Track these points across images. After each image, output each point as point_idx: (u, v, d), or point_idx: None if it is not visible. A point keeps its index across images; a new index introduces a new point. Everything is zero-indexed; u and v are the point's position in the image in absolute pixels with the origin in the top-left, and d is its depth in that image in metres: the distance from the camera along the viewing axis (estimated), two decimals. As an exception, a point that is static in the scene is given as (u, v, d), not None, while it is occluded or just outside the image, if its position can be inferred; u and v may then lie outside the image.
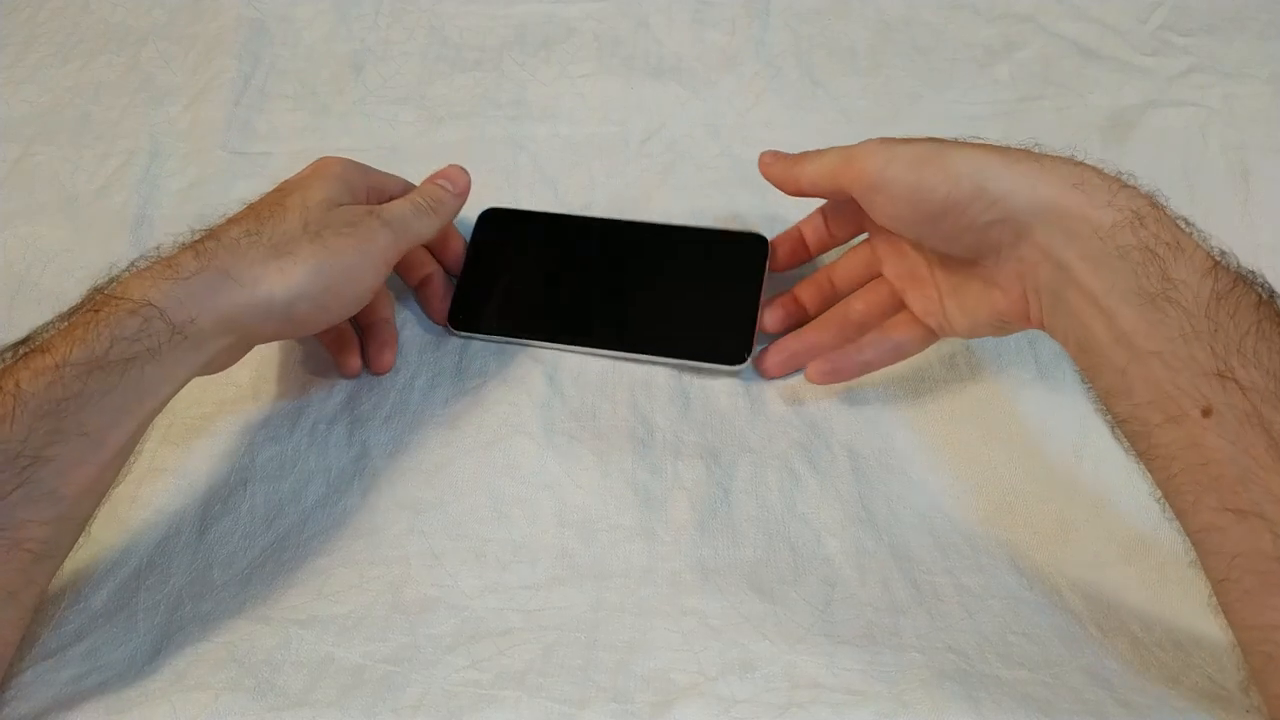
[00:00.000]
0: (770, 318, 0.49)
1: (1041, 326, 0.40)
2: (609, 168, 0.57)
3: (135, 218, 0.55)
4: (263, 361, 0.50)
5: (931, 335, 0.46)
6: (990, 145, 0.39)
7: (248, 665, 0.37)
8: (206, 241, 0.40)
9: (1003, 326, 0.42)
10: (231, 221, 0.42)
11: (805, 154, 0.44)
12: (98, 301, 0.38)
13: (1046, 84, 0.60)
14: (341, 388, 0.49)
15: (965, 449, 0.46)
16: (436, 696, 0.36)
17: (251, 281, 0.39)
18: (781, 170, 0.45)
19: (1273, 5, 0.62)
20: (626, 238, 0.50)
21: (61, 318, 0.38)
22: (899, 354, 0.47)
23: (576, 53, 0.62)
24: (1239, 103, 0.58)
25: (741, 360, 0.47)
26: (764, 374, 0.48)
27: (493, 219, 0.53)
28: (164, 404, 0.39)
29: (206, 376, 0.49)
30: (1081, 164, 0.38)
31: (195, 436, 0.47)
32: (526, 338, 0.50)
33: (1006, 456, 0.46)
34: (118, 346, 0.36)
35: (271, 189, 0.44)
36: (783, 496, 0.45)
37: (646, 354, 0.48)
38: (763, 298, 0.48)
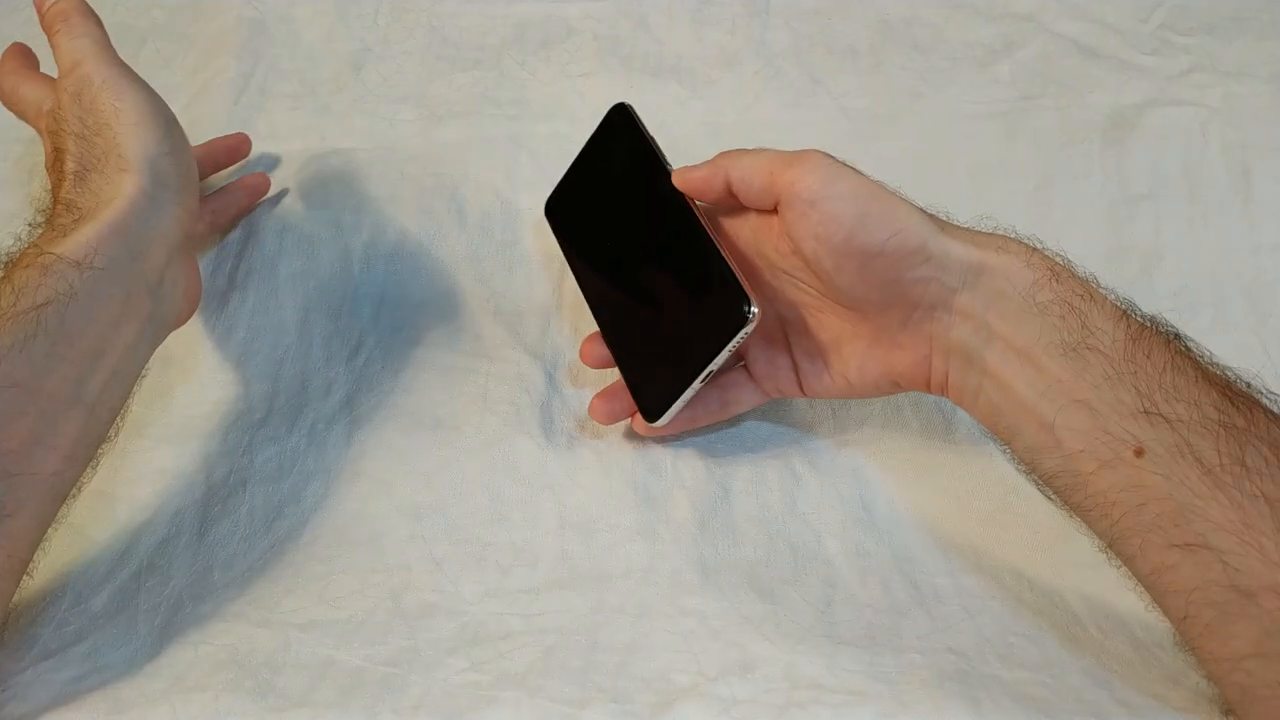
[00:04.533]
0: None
1: (943, 391, 0.40)
2: (609, 167, 0.57)
3: (135, 217, 0.55)
4: (261, 360, 0.50)
5: (763, 397, 0.45)
6: (920, 208, 0.39)
7: (248, 667, 0.37)
8: (62, 198, 0.41)
9: (890, 386, 0.42)
10: (55, 184, 0.43)
11: (737, 149, 0.41)
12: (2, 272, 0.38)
13: (1046, 83, 0.60)
14: (340, 387, 0.49)
15: (965, 449, 0.46)
16: (436, 697, 0.36)
17: (116, 191, 0.40)
18: (706, 169, 0.41)
19: (1273, 5, 0.62)
20: (677, 221, 0.43)
21: None
22: (727, 411, 0.46)
23: (576, 52, 0.62)
24: (1239, 102, 0.58)
25: (655, 418, 0.43)
26: (592, 416, 0.45)
27: (619, 120, 0.47)
28: (106, 348, 0.38)
29: (203, 378, 0.48)
30: (998, 233, 0.39)
31: (194, 437, 0.47)
32: (575, 271, 0.48)
33: (1006, 456, 0.46)
34: (24, 297, 0.36)
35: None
36: (783, 496, 0.45)
37: (614, 357, 0.45)
38: (718, 365, 0.41)
